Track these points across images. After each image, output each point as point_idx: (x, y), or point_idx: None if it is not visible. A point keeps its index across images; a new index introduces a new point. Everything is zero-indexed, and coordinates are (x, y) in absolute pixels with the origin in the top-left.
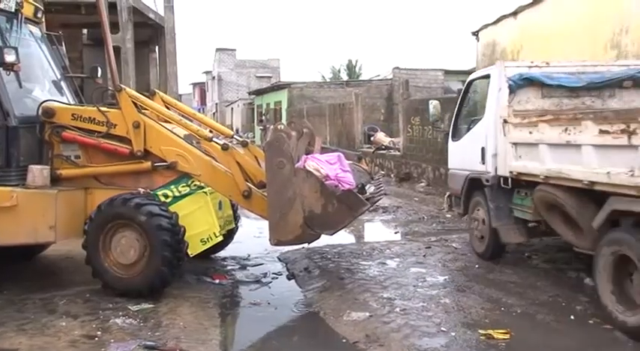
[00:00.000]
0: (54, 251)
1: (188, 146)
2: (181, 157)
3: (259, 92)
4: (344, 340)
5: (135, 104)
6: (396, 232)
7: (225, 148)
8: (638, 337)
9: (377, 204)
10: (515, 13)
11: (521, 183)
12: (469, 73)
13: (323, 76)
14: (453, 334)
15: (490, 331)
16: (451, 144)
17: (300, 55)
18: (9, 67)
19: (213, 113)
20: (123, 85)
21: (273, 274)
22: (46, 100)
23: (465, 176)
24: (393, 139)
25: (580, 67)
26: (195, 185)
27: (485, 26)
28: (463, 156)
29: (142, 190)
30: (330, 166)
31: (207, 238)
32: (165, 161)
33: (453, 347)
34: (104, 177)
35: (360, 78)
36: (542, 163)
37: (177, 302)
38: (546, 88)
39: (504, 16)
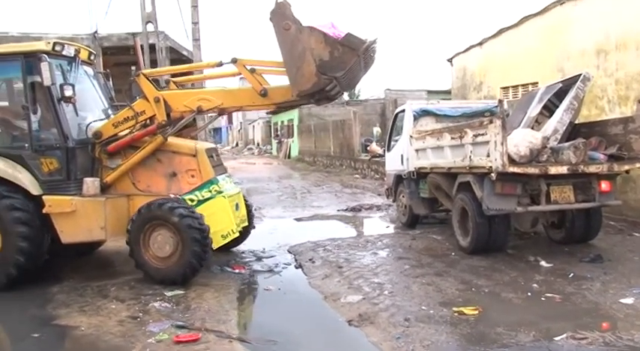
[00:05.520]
0: (107, 247)
1: (201, 89)
2: (202, 99)
3: (275, 112)
4: (340, 319)
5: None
6: (387, 227)
7: (234, 60)
8: (466, 251)
9: (372, 204)
10: (481, 43)
11: (421, 174)
12: (447, 92)
13: None
14: (432, 311)
15: (462, 309)
16: (387, 154)
17: None
18: (67, 100)
19: (239, 130)
20: (140, 71)
21: (283, 264)
22: (92, 122)
23: (394, 174)
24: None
25: (458, 104)
26: (215, 191)
27: (457, 54)
28: (393, 161)
29: (172, 196)
30: (327, 28)
31: (227, 234)
32: (182, 117)
33: (431, 323)
34: (141, 184)
35: (358, 98)
36: (428, 160)
37: (204, 289)
38: (438, 117)
39: (472, 46)
